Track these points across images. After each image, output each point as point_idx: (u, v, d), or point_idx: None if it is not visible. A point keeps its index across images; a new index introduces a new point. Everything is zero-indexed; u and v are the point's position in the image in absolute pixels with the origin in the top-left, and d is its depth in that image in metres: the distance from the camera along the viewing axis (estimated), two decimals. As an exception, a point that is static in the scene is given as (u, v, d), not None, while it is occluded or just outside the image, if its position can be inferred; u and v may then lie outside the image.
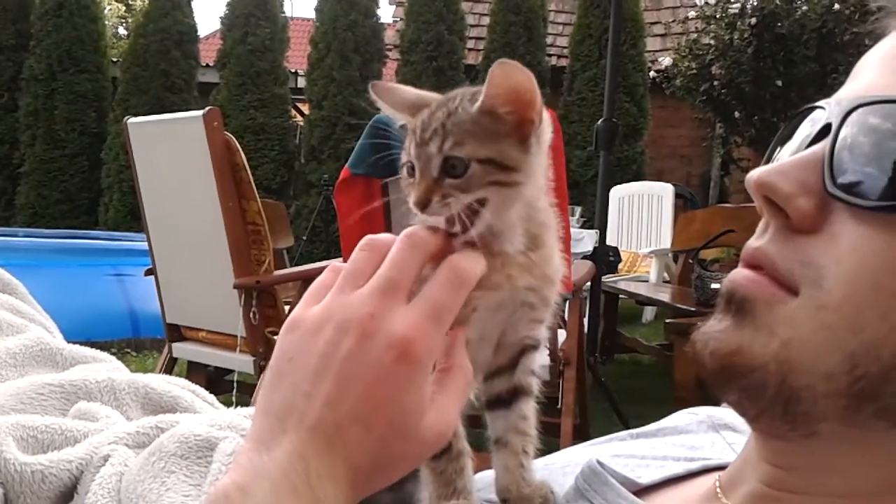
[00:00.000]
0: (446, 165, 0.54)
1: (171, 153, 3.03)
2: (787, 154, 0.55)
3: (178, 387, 0.99)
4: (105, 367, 1.04)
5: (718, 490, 0.59)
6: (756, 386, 0.50)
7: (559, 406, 2.63)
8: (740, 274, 0.53)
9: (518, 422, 0.59)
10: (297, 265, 4.98)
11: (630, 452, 0.70)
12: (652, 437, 0.74)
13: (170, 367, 3.28)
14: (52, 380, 0.89)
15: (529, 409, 0.60)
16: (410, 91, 0.60)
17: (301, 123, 9.33)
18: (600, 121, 3.91)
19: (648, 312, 6.22)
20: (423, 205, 0.53)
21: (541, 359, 0.62)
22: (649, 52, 8.30)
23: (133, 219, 8.06)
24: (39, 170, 8.32)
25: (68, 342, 1.09)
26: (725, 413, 0.77)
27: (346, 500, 0.48)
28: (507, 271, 0.55)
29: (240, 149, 2.83)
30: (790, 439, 0.51)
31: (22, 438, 0.73)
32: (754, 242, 0.54)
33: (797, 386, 0.48)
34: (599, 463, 0.63)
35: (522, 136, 0.55)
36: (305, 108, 9.59)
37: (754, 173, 0.52)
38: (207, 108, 2.80)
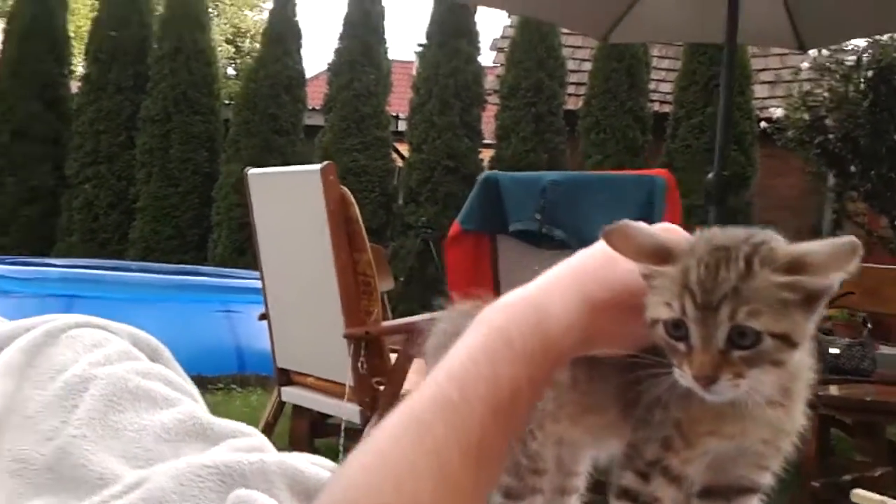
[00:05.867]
0: (733, 334, 0.50)
1: (288, 203, 3.13)
2: None
3: (324, 469, 1.00)
4: (252, 443, 1.06)
5: None
6: None
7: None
8: None
9: None
10: (394, 307, 5.05)
11: None
12: None
13: (278, 411, 3.36)
14: (209, 461, 0.91)
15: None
16: (647, 235, 0.57)
17: (400, 166, 9.50)
18: (711, 174, 3.82)
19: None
20: (711, 381, 0.50)
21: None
22: (757, 99, 8.10)
23: (239, 255, 8.33)
24: (153, 206, 8.72)
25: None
26: None
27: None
28: (742, 425, 0.54)
29: (354, 202, 2.90)
30: None
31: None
32: None
33: None
34: None
35: (811, 303, 0.51)
36: (405, 151, 9.77)
37: None
38: (325, 163, 2.88)
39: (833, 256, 0.50)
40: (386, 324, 3.06)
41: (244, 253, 8.34)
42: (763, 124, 7.27)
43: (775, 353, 0.50)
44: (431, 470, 0.50)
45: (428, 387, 0.55)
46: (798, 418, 0.56)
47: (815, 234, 8.36)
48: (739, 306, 0.50)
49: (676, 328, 0.52)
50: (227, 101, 9.60)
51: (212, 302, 5.87)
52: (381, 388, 3.01)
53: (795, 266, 0.51)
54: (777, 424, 0.54)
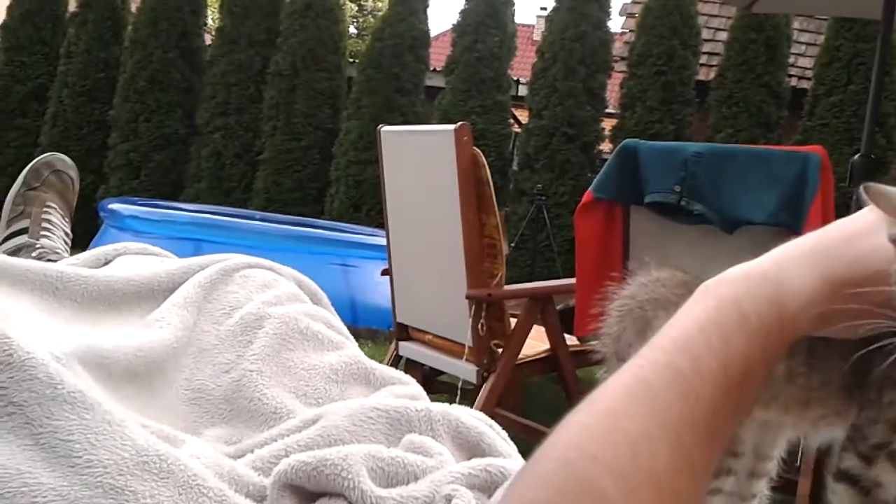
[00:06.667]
0: None
1: (420, 163, 3.16)
2: None
3: (483, 423, 1.02)
4: (413, 392, 1.09)
5: None
6: None
7: (798, 463, 2.47)
8: None
9: None
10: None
11: None
12: None
13: (395, 364, 3.43)
14: (379, 405, 0.94)
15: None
16: None
17: (518, 131, 9.42)
18: (857, 156, 3.63)
19: None
20: None
21: None
22: (904, 79, 7.60)
23: (355, 210, 8.51)
24: (276, 159, 8.99)
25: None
26: None
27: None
28: None
29: (486, 164, 2.90)
30: None
31: (372, 469, 0.78)
32: None
33: None
34: None
35: None
36: (522, 116, 9.68)
37: None
38: (460, 124, 2.89)
39: None
40: (508, 287, 3.06)
41: (359, 209, 8.51)
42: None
43: None
44: (667, 443, 0.48)
45: (654, 353, 0.53)
46: None
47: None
48: None
49: None
50: (350, 60, 9.75)
51: (329, 255, 6.03)
52: (500, 350, 3.03)
53: None
54: None
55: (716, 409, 0.50)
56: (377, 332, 5.32)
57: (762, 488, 0.70)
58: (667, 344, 0.53)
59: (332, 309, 1.30)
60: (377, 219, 7.32)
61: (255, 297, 1.12)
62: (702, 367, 0.51)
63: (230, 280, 1.16)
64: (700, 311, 0.54)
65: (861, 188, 0.56)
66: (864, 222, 0.57)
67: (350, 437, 0.87)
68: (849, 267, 0.55)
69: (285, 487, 0.77)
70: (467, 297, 2.94)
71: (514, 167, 9.07)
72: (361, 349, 1.19)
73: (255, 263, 1.21)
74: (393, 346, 3.47)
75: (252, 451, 0.86)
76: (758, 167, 2.30)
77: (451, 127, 2.90)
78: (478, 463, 0.83)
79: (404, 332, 3.43)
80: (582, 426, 0.50)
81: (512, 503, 0.48)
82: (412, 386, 1.11)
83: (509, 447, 0.97)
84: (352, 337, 1.24)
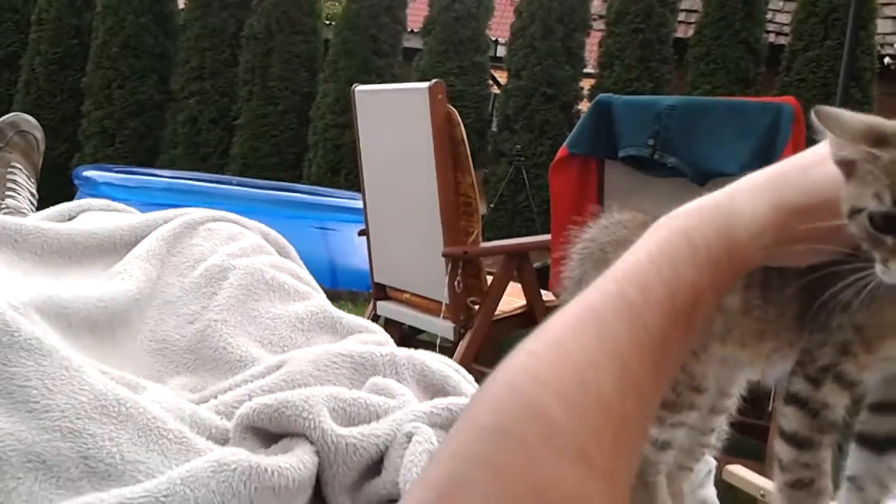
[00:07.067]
0: None
1: (394, 121, 3.14)
2: None
3: (448, 367, 1.03)
4: (379, 339, 1.09)
5: None
6: None
7: (769, 409, 2.51)
8: None
9: (883, 472, 0.56)
10: (482, 233, 5.07)
11: None
12: None
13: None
14: (344, 350, 0.94)
15: (902, 464, 0.56)
16: (857, 118, 0.54)
17: (497, 92, 9.36)
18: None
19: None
20: None
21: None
22: (880, 34, 7.61)
23: (333, 175, 8.46)
24: (253, 123, 8.89)
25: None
26: None
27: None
28: None
29: (461, 122, 2.88)
30: None
31: (333, 409, 0.78)
32: None
33: None
34: None
35: None
36: (501, 77, 9.61)
37: None
38: (434, 81, 2.87)
39: None
40: (484, 245, 3.07)
41: (338, 173, 8.46)
42: (887, 60, 6.84)
43: None
44: (615, 370, 0.49)
45: (605, 283, 0.54)
46: None
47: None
48: None
49: (885, 220, 0.49)
50: (327, 22, 9.61)
51: (308, 218, 6.01)
52: (476, 307, 3.05)
53: None
54: None
55: (664, 337, 0.51)
56: (357, 294, 5.33)
57: (721, 423, 0.71)
58: (618, 275, 0.54)
59: (300, 262, 1.30)
60: (356, 182, 7.25)
61: (219, 249, 1.12)
62: (651, 296, 0.52)
63: (194, 233, 1.15)
64: (651, 244, 0.55)
65: (812, 112, 0.56)
66: (821, 152, 0.57)
67: (314, 381, 0.88)
68: (802, 195, 0.55)
69: (247, 429, 0.77)
70: (444, 255, 2.94)
71: (494, 128, 9.03)
72: (341, 310, 1.19)
73: (219, 217, 1.20)
74: (371, 305, 3.48)
75: (216, 397, 0.86)
76: (731, 119, 2.30)
77: (425, 85, 2.89)
78: (440, 402, 0.84)
79: (382, 292, 3.43)
80: (532, 353, 0.51)
81: (464, 427, 0.49)
82: (379, 334, 1.12)
83: (475, 389, 0.98)
84: (319, 289, 1.24)
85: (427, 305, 3.17)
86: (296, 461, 0.71)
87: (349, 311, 1.36)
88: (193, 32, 9.11)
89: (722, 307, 0.59)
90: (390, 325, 3.48)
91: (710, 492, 0.76)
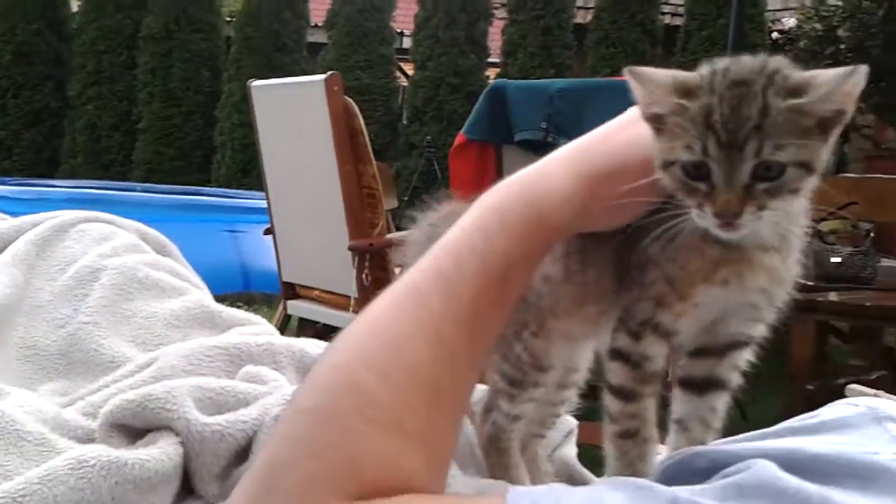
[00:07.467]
0: (758, 170, 0.50)
1: (292, 116, 3.10)
2: None
3: (328, 352, 1.03)
4: (259, 330, 1.09)
5: None
6: None
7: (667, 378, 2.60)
8: None
9: (705, 412, 0.59)
10: (398, 226, 5.07)
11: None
12: (814, 432, 0.72)
13: (284, 324, 3.40)
14: (218, 342, 0.94)
15: (721, 403, 0.60)
16: (665, 73, 0.56)
17: (405, 84, 9.36)
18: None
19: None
20: (735, 216, 0.49)
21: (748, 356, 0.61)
22: (770, 11, 7.94)
23: (243, 175, 8.32)
24: (156, 127, 8.67)
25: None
26: (883, 404, 0.74)
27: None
28: (738, 269, 0.54)
29: (359, 113, 2.87)
30: None
31: (200, 399, 0.78)
32: None
33: None
34: None
35: (825, 130, 0.51)
36: (408, 69, 9.61)
37: None
38: (329, 73, 2.85)
39: (840, 77, 0.49)
40: (390, 236, 3.07)
41: (248, 174, 8.32)
42: (775, 35, 7.13)
43: (796, 181, 0.50)
44: (429, 340, 0.52)
45: (425, 260, 0.57)
46: (793, 266, 0.57)
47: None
48: (764, 141, 0.49)
49: (697, 168, 0.51)
50: (228, 19, 9.43)
51: (217, 222, 5.90)
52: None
53: (805, 89, 0.50)
54: (773, 270, 0.54)
55: (478, 306, 0.54)
56: (272, 296, 5.24)
57: (571, 396, 0.75)
58: (436, 251, 0.57)
59: (183, 260, 1.28)
60: (266, 182, 7.16)
61: (90, 250, 1.09)
62: (464, 267, 0.55)
63: (65, 235, 1.13)
64: (467, 219, 0.58)
65: (625, 71, 0.58)
66: (622, 119, 0.60)
67: (186, 375, 0.87)
68: (606, 159, 0.58)
69: (112, 427, 0.76)
70: (350, 249, 2.93)
71: (404, 121, 9.03)
72: (257, 314, 1.18)
73: (92, 217, 1.17)
74: (281, 306, 3.44)
75: (83, 399, 0.85)
76: (621, 98, 2.36)
77: (322, 77, 2.86)
78: (311, 386, 0.84)
79: (292, 291, 3.40)
80: (353, 332, 0.54)
81: (289, 411, 0.52)
82: (262, 326, 1.12)
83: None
84: (203, 285, 1.23)
85: (337, 301, 3.15)
86: (158, 452, 0.70)
87: (264, 315, 1.35)
88: (89, 35, 8.81)
89: (547, 278, 0.62)
90: (304, 325, 3.45)
91: (571, 450, 0.79)
